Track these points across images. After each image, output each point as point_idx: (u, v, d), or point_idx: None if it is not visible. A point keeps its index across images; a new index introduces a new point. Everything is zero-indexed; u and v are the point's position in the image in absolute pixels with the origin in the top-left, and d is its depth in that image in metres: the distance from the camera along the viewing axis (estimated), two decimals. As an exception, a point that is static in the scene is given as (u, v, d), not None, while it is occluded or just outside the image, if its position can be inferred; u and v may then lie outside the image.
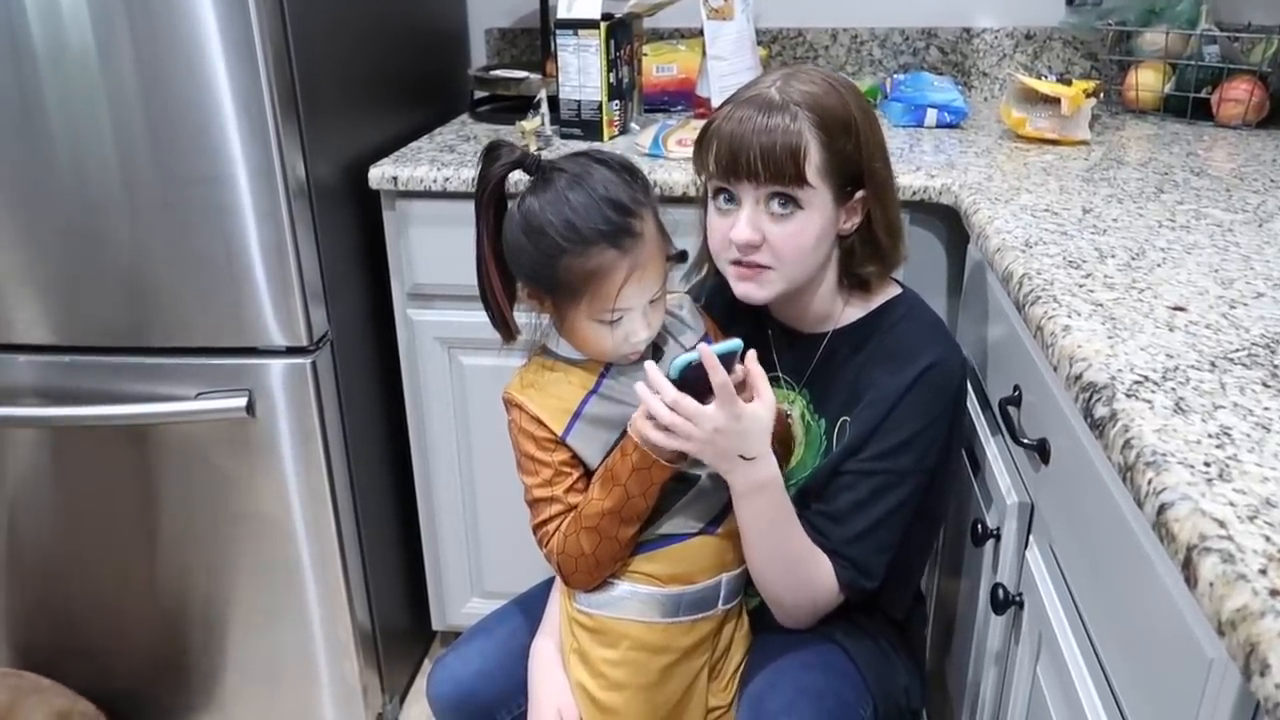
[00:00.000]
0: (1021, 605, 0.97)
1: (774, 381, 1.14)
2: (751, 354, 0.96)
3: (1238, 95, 1.59)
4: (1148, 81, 1.70)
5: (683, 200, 1.34)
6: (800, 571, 1.04)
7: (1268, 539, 0.54)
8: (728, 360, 0.93)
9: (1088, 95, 1.50)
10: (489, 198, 1.01)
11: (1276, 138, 1.54)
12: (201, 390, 1.40)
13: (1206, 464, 0.61)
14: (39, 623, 1.61)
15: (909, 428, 1.02)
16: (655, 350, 1.05)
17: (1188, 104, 1.65)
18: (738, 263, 1.03)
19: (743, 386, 0.97)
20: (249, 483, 1.47)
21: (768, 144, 0.96)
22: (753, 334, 1.15)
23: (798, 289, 1.05)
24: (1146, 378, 0.73)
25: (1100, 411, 0.70)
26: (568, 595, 1.10)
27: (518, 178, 1.01)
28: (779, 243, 1.00)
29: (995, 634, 1.05)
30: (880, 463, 1.02)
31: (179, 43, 1.24)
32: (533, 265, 0.98)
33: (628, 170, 1.00)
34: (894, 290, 1.10)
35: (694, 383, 0.92)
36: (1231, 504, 0.57)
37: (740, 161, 0.97)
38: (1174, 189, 1.24)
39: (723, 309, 1.17)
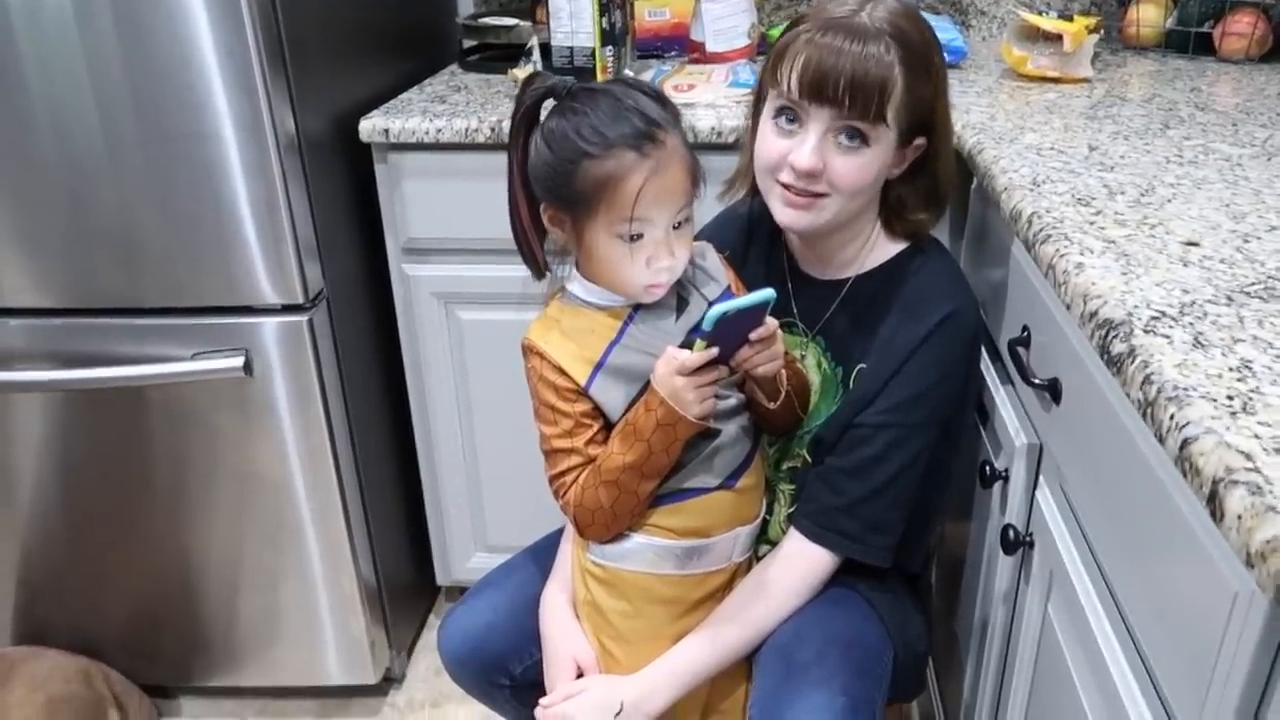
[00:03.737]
0: (1032, 545, 0.98)
1: (788, 327, 1.13)
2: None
3: (1240, 29, 1.56)
4: (1149, 17, 1.67)
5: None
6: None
7: (1296, 470, 0.53)
8: (760, 311, 0.91)
9: (1090, 31, 1.47)
10: (520, 122, 0.98)
11: (1280, 71, 1.52)
12: (198, 350, 1.39)
13: (1229, 397, 0.60)
14: (39, 587, 1.60)
15: (925, 379, 1.00)
16: (680, 301, 1.03)
17: (1189, 39, 1.62)
18: (788, 186, 0.99)
19: (772, 339, 0.96)
20: (248, 442, 1.46)
21: (860, 73, 0.92)
22: (768, 276, 1.13)
23: (840, 225, 1.03)
24: (1163, 313, 0.72)
25: (1118, 348, 0.69)
26: (581, 546, 1.09)
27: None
28: (840, 175, 0.97)
29: (1003, 574, 1.06)
30: (895, 415, 1.01)
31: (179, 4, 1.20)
32: (552, 175, 0.95)
33: (660, 98, 0.97)
34: (923, 236, 1.08)
35: (726, 335, 0.91)
36: (1256, 436, 0.56)
37: (826, 85, 0.93)
38: (1179, 125, 1.22)
39: (737, 249, 1.15)
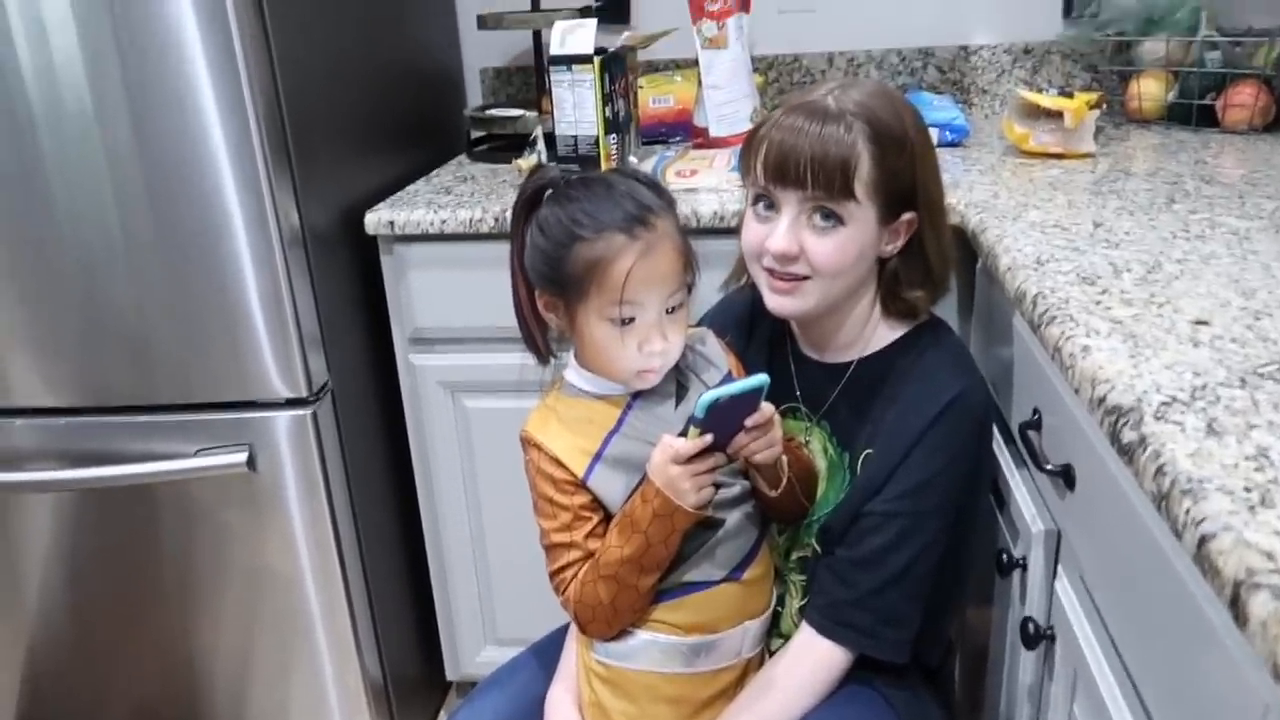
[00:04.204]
0: (1053, 640, 0.93)
1: (791, 412, 1.11)
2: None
3: (1243, 100, 1.56)
4: (1150, 91, 1.67)
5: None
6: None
7: (1321, 571, 0.50)
8: (755, 397, 0.90)
9: (1091, 107, 1.48)
10: (520, 212, 0.99)
11: (1286, 141, 1.51)
12: (201, 446, 1.38)
13: (1247, 489, 0.57)
14: (45, 685, 1.58)
15: (933, 465, 0.98)
16: (679, 388, 1.01)
17: (1192, 111, 1.62)
18: (771, 271, 1.00)
19: (769, 425, 0.94)
20: (253, 537, 1.44)
21: (819, 152, 0.93)
22: (770, 360, 1.12)
23: (831, 307, 1.02)
24: (1174, 398, 0.69)
25: (1128, 436, 0.67)
26: (585, 644, 1.06)
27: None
28: (817, 255, 0.97)
29: (1027, 669, 1.01)
30: (905, 503, 0.98)
31: (173, 98, 1.23)
32: (545, 261, 0.95)
33: (655, 186, 0.98)
34: (923, 317, 1.07)
35: (720, 421, 0.89)
36: (1278, 533, 0.53)
37: (788, 168, 0.95)
38: (1185, 198, 1.21)
39: (741, 333, 1.14)
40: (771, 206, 0.98)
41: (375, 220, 1.44)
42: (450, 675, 1.76)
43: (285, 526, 1.43)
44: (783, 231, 0.97)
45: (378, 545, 1.56)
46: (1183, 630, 0.64)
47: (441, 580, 1.67)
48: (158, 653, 1.53)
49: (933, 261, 1.02)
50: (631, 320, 0.93)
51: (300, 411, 1.37)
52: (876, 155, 0.94)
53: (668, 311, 0.95)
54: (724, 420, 0.90)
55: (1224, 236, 1.04)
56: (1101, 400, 0.72)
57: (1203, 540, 0.55)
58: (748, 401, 0.90)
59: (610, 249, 0.91)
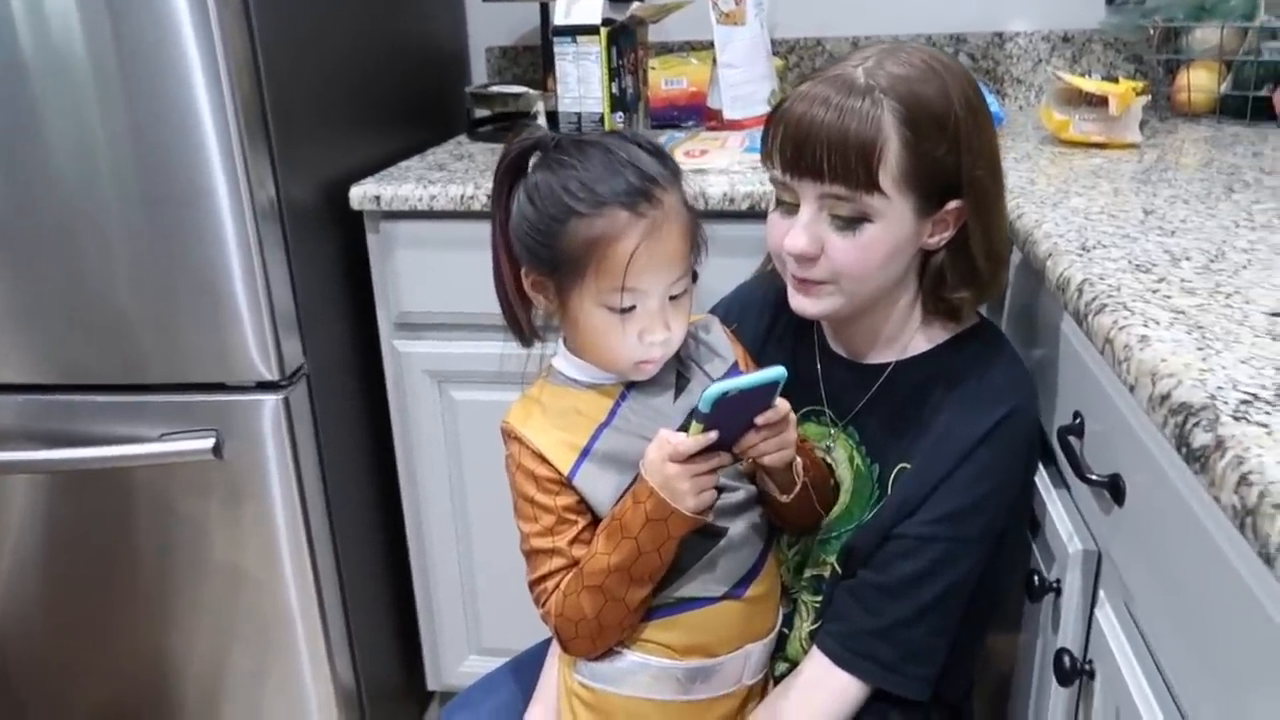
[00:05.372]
0: (1093, 675, 0.81)
1: (814, 415, 0.99)
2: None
3: (1304, 92, 1.44)
4: (1201, 82, 1.55)
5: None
6: None
7: None
8: (769, 392, 0.79)
9: (1137, 94, 1.36)
10: (504, 176, 0.87)
11: (1351, 136, 1.39)
12: (166, 431, 1.28)
13: (1358, 506, 0.46)
14: (5, 682, 1.48)
15: (982, 486, 0.87)
16: (679, 379, 0.90)
17: (1247, 104, 1.50)
18: (794, 273, 0.89)
19: (783, 424, 0.83)
20: (225, 530, 1.35)
21: (837, 136, 0.81)
22: (795, 356, 1.01)
23: (862, 308, 0.91)
24: (1256, 395, 0.58)
25: (1201, 439, 0.55)
26: (567, 663, 0.95)
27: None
28: (840, 257, 0.85)
29: (1058, 708, 0.89)
30: (945, 527, 0.87)
31: (155, 61, 1.14)
32: (534, 235, 0.83)
33: (658, 151, 0.86)
34: (971, 319, 0.95)
35: (727, 417, 0.78)
36: (1405, 561, 0.42)
37: (804, 154, 0.83)
38: (1245, 189, 1.09)
39: (760, 322, 1.03)
40: (791, 198, 0.87)
41: (361, 195, 1.35)
42: (431, 685, 1.66)
43: (256, 519, 1.33)
44: (800, 227, 0.85)
45: (355, 543, 1.46)
46: (1261, 672, 0.53)
47: (424, 583, 1.57)
48: (127, 648, 1.44)
49: (978, 259, 0.89)
50: (632, 308, 0.82)
51: (272, 396, 1.27)
52: (909, 140, 0.82)
53: (671, 298, 0.84)
54: (732, 416, 0.79)
55: (1294, 226, 0.93)
56: (1165, 397, 0.61)
57: (1305, 567, 0.44)
58: (760, 396, 0.79)
59: (612, 228, 0.80)
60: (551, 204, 0.82)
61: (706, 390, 0.76)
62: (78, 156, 1.18)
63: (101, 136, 1.17)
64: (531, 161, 0.87)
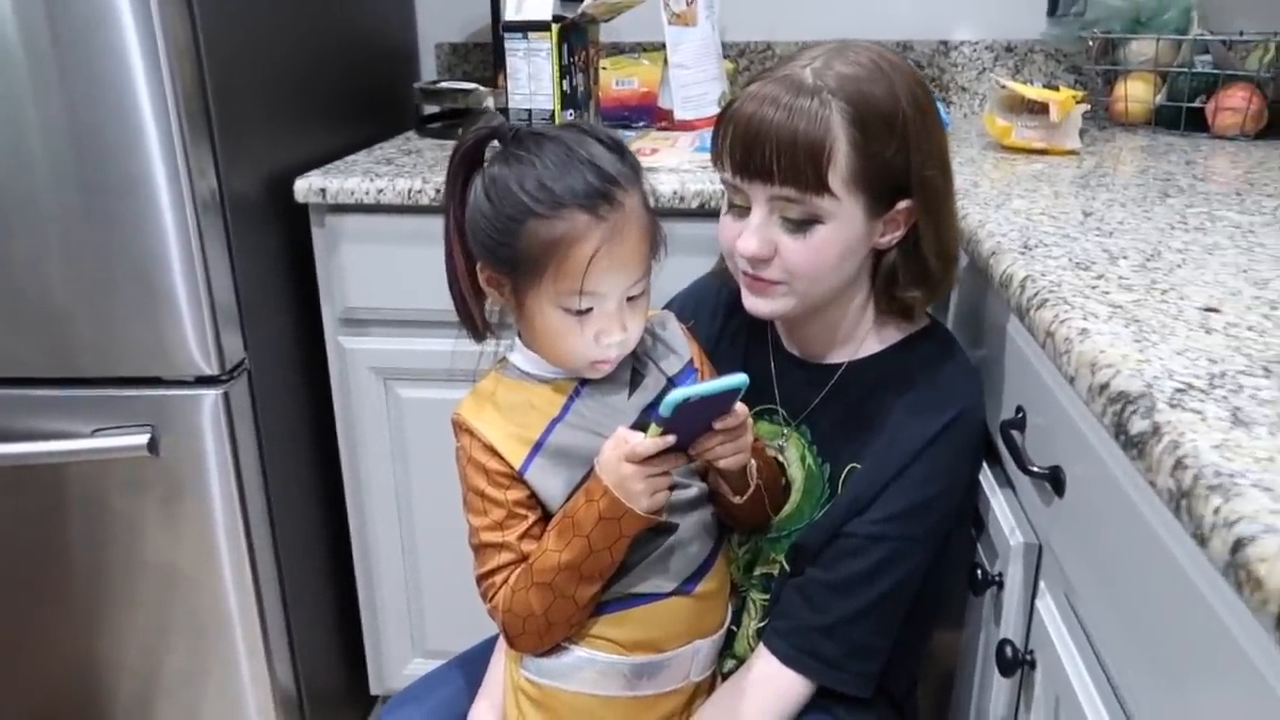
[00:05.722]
0: (1034, 665, 0.83)
1: (767, 414, 1.00)
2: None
3: (1235, 104, 1.49)
4: (1137, 93, 1.60)
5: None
6: None
7: (1394, 584, 0.40)
8: (729, 398, 0.79)
9: (1077, 102, 1.39)
10: (459, 166, 0.85)
11: (1279, 147, 1.44)
12: (99, 426, 1.24)
13: (1288, 486, 0.47)
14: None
15: (930, 488, 0.88)
16: (634, 375, 0.90)
17: (1181, 115, 1.54)
18: (746, 272, 0.89)
19: (741, 429, 0.82)
20: (155, 528, 1.31)
21: (785, 137, 0.81)
22: (747, 355, 1.01)
23: (815, 308, 0.91)
24: (1190, 385, 0.59)
25: (1138, 425, 0.57)
26: (514, 659, 0.94)
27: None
28: (792, 258, 0.86)
29: (1000, 698, 0.90)
30: (892, 526, 0.88)
31: (94, 44, 1.10)
32: (493, 234, 0.81)
33: (619, 147, 0.84)
34: (922, 320, 0.96)
35: (687, 420, 0.78)
36: (1333, 538, 0.43)
37: (752, 155, 0.83)
38: (1180, 193, 1.12)
39: (714, 320, 1.03)
40: (743, 200, 0.87)
41: (306, 187, 1.32)
42: (375, 689, 1.63)
43: (194, 517, 1.30)
44: (751, 230, 0.86)
45: (296, 543, 1.43)
46: (1197, 653, 0.54)
47: (368, 584, 1.54)
48: (58, 650, 1.39)
49: (930, 258, 0.90)
50: (589, 309, 0.82)
51: (211, 391, 1.24)
52: (857, 141, 0.82)
53: (629, 298, 0.83)
54: (690, 419, 0.78)
55: (1226, 229, 0.96)
56: (1104, 387, 0.62)
57: (1239, 544, 0.45)
58: (721, 402, 0.79)
59: (572, 231, 0.79)
60: (509, 203, 0.80)
61: (669, 395, 0.75)
62: (8, 140, 1.14)
63: (34, 119, 1.13)
64: (488, 152, 0.86)
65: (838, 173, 0.82)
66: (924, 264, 0.90)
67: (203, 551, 1.31)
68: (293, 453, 1.43)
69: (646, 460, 0.79)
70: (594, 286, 0.80)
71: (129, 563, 1.33)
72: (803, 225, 0.85)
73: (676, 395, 0.75)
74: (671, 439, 0.79)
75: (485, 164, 0.84)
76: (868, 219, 0.86)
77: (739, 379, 0.77)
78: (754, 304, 0.91)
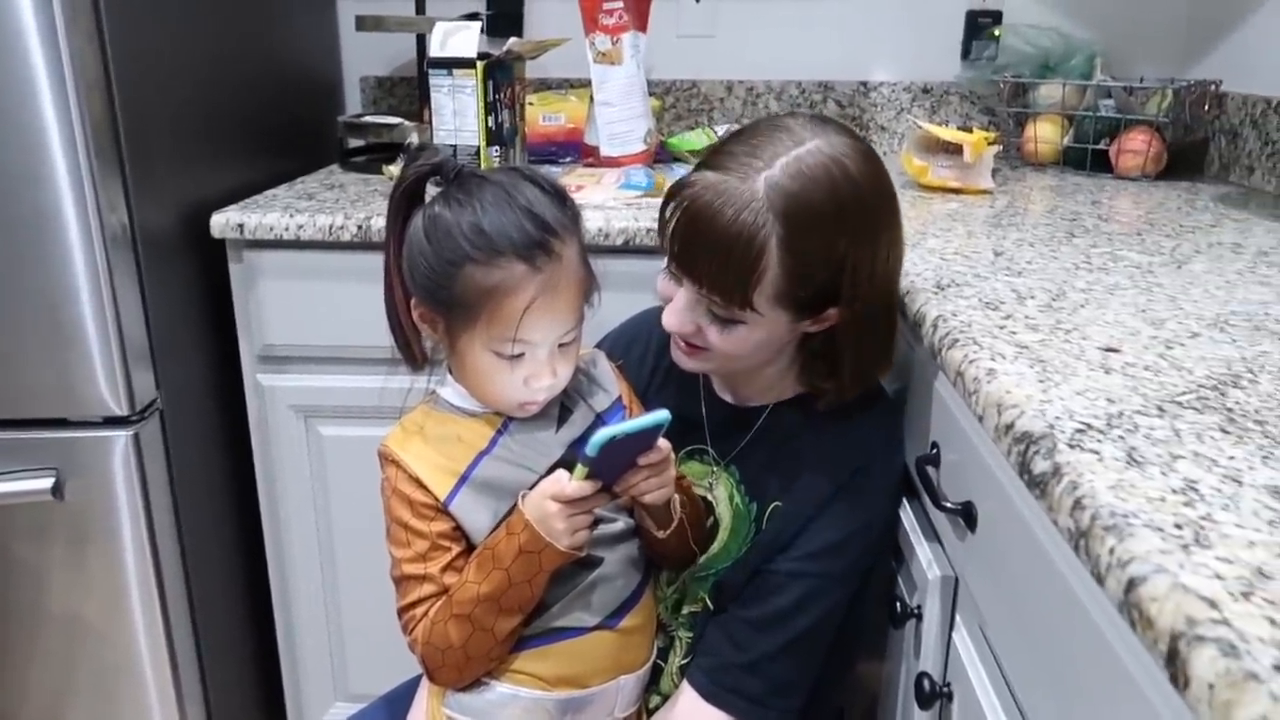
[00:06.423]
0: (950, 697, 0.84)
1: (698, 454, 1.00)
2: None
3: (1136, 146, 1.55)
4: (1046, 134, 1.66)
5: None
6: None
7: (1273, 621, 0.41)
8: (653, 434, 0.79)
9: (989, 144, 1.44)
10: (400, 199, 0.84)
11: (1177, 188, 1.50)
12: (0, 470, 1.19)
13: (1178, 526, 0.49)
14: None
15: (849, 524, 0.89)
16: (562, 411, 0.89)
17: (1086, 156, 1.61)
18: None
19: (664, 464, 0.83)
20: (59, 576, 1.25)
21: (720, 251, 0.81)
22: (681, 394, 1.01)
23: (741, 371, 0.94)
24: (1089, 425, 0.61)
25: (1040, 466, 0.58)
26: (437, 695, 0.92)
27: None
28: (714, 341, 0.88)
29: (921, 731, 0.91)
30: (811, 563, 0.89)
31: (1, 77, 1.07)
32: (430, 274, 0.81)
33: (559, 195, 0.84)
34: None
35: (612, 458, 0.78)
36: (1218, 576, 0.45)
37: (687, 258, 0.84)
38: (1085, 233, 1.17)
39: (649, 358, 1.03)
40: (677, 279, 0.88)
41: (223, 223, 1.29)
42: (295, 735, 1.57)
43: (102, 564, 1.25)
44: (679, 310, 0.88)
45: (211, 588, 1.38)
46: (1098, 688, 0.55)
47: (287, 628, 1.50)
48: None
49: (844, 364, 0.89)
50: (521, 355, 0.82)
51: (121, 432, 1.20)
52: (789, 266, 0.81)
53: (560, 345, 0.84)
54: (616, 457, 0.79)
55: (1127, 269, 0.99)
56: (1009, 427, 0.64)
57: (1131, 584, 0.46)
58: (645, 438, 0.79)
59: (507, 281, 0.79)
60: (447, 246, 0.80)
61: (595, 435, 0.76)
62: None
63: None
64: (428, 187, 0.86)
65: (764, 293, 0.83)
66: (838, 364, 0.90)
67: (111, 599, 1.26)
68: (208, 495, 1.38)
69: (572, 501, 0.79)
70: (527, 335, 0.80)
71: (33, 613, 1.27)
72: (727, 323, 0.87)
73: (603, 435, 0.75)
74: (597, 484, 0.80)
75: (426, 202, 0.84)
76: (792, 323, 0.88)
77: (662, 415, 0.78)
78: (680, 359, 0.93)
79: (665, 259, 0.90)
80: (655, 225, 1.25)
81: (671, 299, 0.90)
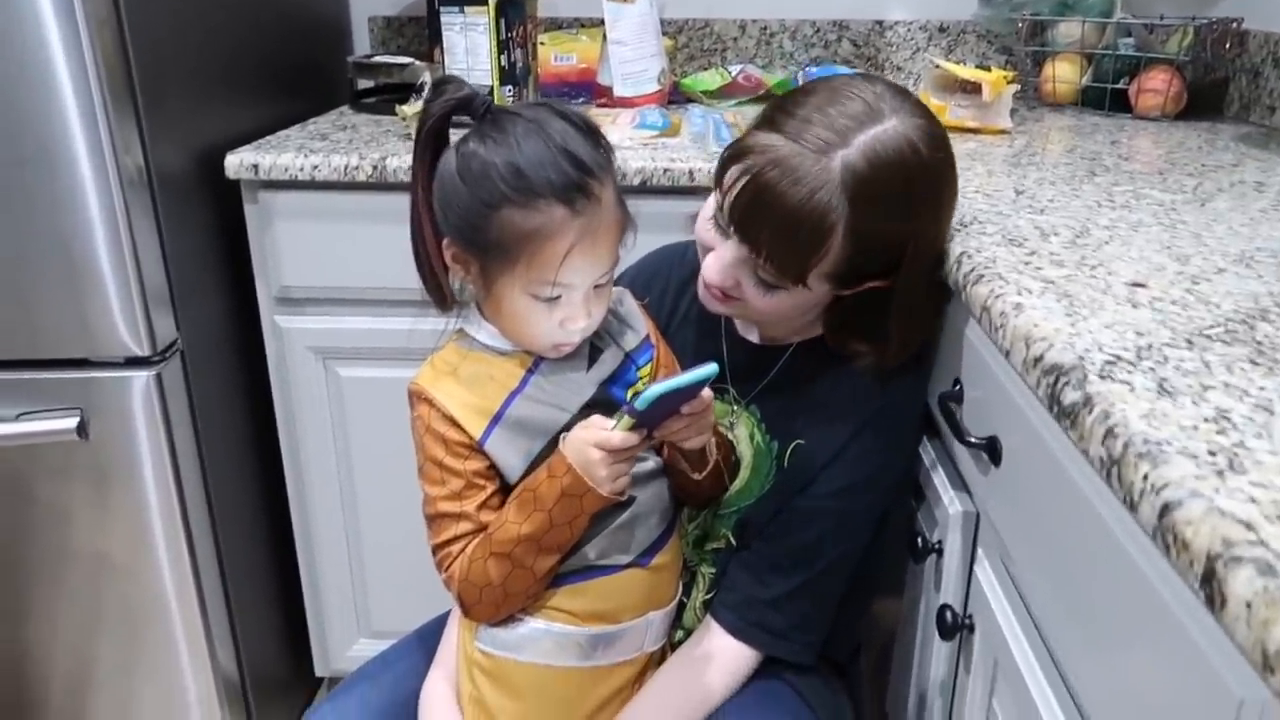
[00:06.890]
0: (972, 629, 0.86)
1: (719, 394, 1.01)
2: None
3: (1156, 86, 1.53)
4: (1064, 74, 1.64)
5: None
6: None
7: (1309, 543, 0.42)
8: (699, 386, 0.79)
9: (1008, 83, 1.43)
10: (427, 137, 0.82)
11: (1197, 128, 1.49)
12: (25, 410, 1.20)
13: (1211, 453, 0.50)
14: None
15: (871, 463, 0.90)
16: (593, 350, 0.89)
17: (1105, 96, 1.59)
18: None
19: (706, 412, 0.83)
20: (92, 516, 1.27)
21: (786, 227, 0.80)
22: (701, 333, 1.01)
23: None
24: (1119, 357, 0.62)
25: (1070, 396, 0.59)
26: (468, 629, 0.93)
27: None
28: (752, 301, 0.87)
29: (940, 662, 0.94)
30: (834, 501, 0.90)
31: (7, 11, 1.06)
32: (465, 216, 0.79)
33: (592, 131, 0.82)
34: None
35: (657, 410, 0.78)
36: (1253, 500, 0.46)
37: (748, 225, 0.83)
38: (1106, 172, 1.16)
39: (669, 296, 1.03)
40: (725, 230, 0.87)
41: (237, 163, 1.29)
42: (320, 671, 1.61)
43: (126, 503, 1.27)
44: (725, 265, 0.87)
45: (235, 527, 1.40)
46: (1127, 615, 0.57)
47: (310, 566, 1.52)
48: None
49: (892, 334, 0.89)
50: (558, 297, 0.81)
51: (143, 372, 1.20)
52: (852, 247, 0.81)
53: (595, 286, 0.83)
54: (662, 408, 0.79)
55: (1150, 207, 0.99)
56: (1038, 360, 0.64)
57: (1165, 509, 0.47)
58: (691, 390, 0.80)
59: (547, 225, 0.77)
60: (484, 188, 0.78)
61: (646, 390, 0.76)
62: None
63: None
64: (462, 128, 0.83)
65: (819, 273, 0.84)
66: (883, 331, 0.89)
67: (136, 538, 1.28)
68: (230, 434, 1.40)
69: (616, 450, 0.80)
70: (566, 279, 0.80)
71: (58, 552, 1.29)
72: (769, 287, 0.86)
73: (653, 390, 0.75)
74: (642, 433, 0.80)
75: (459, 139, 0.82)
76: (833, 292, 0.88)
77: (709, 369, 0.78)
78: (709, 302, 0.93)
79: (713, 209, 0.89)
80: (671, 165, 1.26)
81: (712, 249, 0.89)
